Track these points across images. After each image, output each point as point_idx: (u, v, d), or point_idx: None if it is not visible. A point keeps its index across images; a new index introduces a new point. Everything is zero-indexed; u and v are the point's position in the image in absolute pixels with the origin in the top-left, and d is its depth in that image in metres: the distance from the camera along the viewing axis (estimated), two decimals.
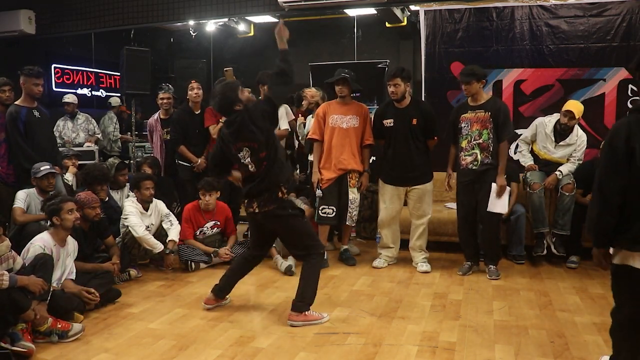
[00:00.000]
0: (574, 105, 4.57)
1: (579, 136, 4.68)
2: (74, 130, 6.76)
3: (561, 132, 4.64)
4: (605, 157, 2.24)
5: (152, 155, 5.73)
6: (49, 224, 3.53)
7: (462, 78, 4.30)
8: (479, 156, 4.28)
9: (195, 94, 5.23)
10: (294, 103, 6.42)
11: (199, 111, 5.25)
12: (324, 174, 4.65)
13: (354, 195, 4.64)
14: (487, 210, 4.26)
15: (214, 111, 5.11)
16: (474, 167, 4.30)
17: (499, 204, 4.24)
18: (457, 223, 4.53)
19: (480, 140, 4.27)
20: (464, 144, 4.34)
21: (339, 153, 4.59)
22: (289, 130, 5.34)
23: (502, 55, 5.40)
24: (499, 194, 4.23)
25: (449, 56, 5.58)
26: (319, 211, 4.66)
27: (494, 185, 4.23)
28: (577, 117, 4.54)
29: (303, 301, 3.37)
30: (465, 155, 4.34)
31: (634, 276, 2.17)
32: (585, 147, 4.71)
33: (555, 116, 4.71)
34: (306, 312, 3.36)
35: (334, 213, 4.64)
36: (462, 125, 4.35)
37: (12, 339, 2.84)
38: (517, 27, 5.34)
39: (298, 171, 6.21)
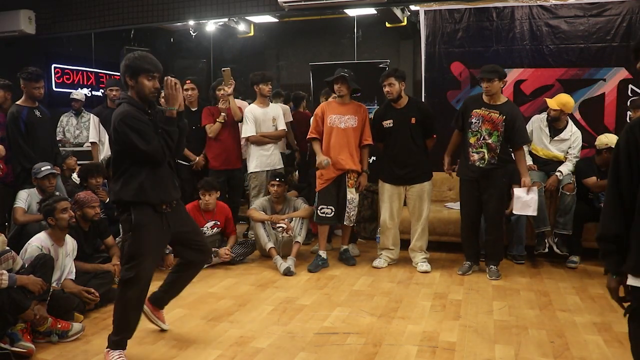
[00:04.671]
0: (557, 97, 4.70)
1: (573, 132, 4.77)
2: (77, 128, 6.75)
3: (554, 125, 4.74)
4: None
5: None
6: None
7: (484, 74, 4.22)
8: (486, 155, 4.29)
9: (189, 94, 5.15)
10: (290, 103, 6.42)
11: (196, 108, 5.24)
12: (323, 174, 4.64)
13: (352, 195, 4.63)
14: (515, 212, 4.31)
15: (211, 110, 5.13)
16: (481, 165, 4.30)
17: (529, 207, 4.21)
18: (460, 222, 4.53)
19: (490, 141, 4.27)
20: (472, 140, 4.33)
21: (337, 153, 4.58)
22: (286, 130, 5.35)
23: (502, 55, 5.39)
24: (528, 191, 4.22)
25: (449, 56, 5.57)
26: (318, 211, 4.66)
27: (517, 189, 4.24)
28: (556, 107, 4.62)
29: (111, 335, 2.80)
30: (473, 152, 4.34)
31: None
32: (581, 143, 4.79)
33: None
34: (109, 350, 2.77)
35: (333, 213, 4.64)
36: (473, 120, 4.32)
37: (11, 340, 2.85)
38: (517, 27, 5.33)
39: (297, 172, 6.22)
